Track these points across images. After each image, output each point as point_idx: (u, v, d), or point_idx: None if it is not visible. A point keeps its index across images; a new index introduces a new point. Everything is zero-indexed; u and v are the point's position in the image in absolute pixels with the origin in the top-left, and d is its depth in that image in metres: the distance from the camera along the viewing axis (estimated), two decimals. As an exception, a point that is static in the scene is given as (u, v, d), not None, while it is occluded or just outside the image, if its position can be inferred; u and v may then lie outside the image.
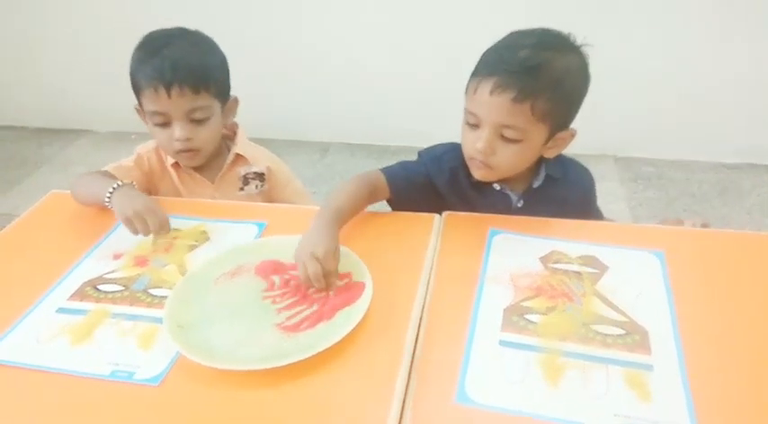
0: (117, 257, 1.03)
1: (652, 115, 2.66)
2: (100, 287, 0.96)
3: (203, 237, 1.08)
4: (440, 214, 1.11)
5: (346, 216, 1.03)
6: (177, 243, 1.06)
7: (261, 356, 0.80)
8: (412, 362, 0.80)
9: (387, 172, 1.13)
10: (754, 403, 0.74)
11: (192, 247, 1.05)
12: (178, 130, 1.17)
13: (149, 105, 1.16)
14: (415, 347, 0.82)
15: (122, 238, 1.07)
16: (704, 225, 1.09)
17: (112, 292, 0.95)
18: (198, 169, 1.29)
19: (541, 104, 0.97)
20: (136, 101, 1.22)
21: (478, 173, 1.08)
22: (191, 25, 1.24)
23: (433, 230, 1.06)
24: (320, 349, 0.79)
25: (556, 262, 0.98)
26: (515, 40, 1.02)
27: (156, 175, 1.29)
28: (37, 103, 3.29)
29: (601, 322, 0.85)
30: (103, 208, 1.09)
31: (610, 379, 0.76)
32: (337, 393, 0.76)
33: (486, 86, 0.98)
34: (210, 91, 1.18)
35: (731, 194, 2.54)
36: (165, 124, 1.18)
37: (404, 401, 0.74)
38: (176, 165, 1.28)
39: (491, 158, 1.03)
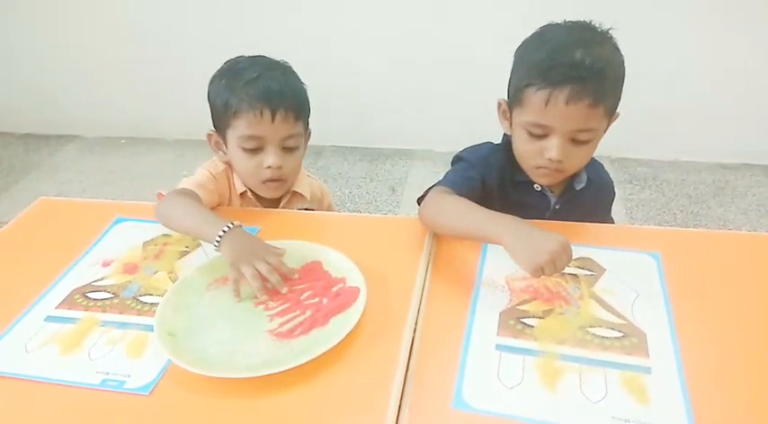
0: (106, 264, 1.02)
1: (647, 116, 2.66)
2: (89, 294, 0.95)
3: (194, 243, 1.07)
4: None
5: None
6: (168, 250, 1.05)
7: (254, 363, 0.79)
8: (408, 368, 0.79)
9: (450, 184, 1.08)
10: (752, 406, 0.73)
11: (183, 253, 1.04)
12: (272, 157, 1.13)
13: (246, 129, 1.11)
14: (410, 352, 0.81)
15: (112, 245, 1.07)
16: None
17: (102, 299, 0.93)
18: (262, 202, 1.25)
19: (609, 102, 0.99)
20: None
21: (546, 180, 1.08)
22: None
23: (428, 234, 1.05)
24: (315, 356, 0.78)
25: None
26: (558, 40, 0.99)
27: (224, 199, 1.24)
28: (24, 108, 3.26)
29: (598, 325, 0.84)
30: (96, 214, 1.07)
31: (608, 382, 0.75)
32: (333, 400, 0.75)
33: (560, 97, 0.95)
34: (304, 120, 1.18)
35: (727, 195, 2.55)
36: (256, 151, 1.14)
37: (400, 408, 0.73)
38: (243, 195, 1.24)
39: (563, 163, 1.02)
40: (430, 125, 2.83)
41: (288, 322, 0.87)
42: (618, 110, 1.06)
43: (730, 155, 2.74)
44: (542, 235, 0.86)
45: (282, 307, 0.90)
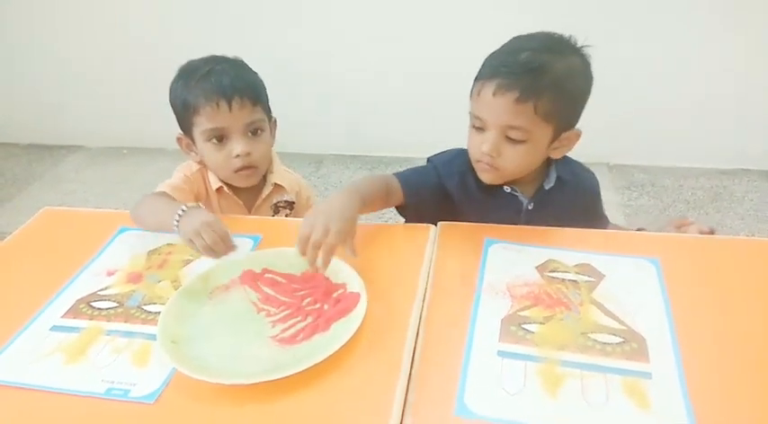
0: (110, 273, 1.03)
1: (644, 122, 2.68)
2: (94, 303, 0.95)
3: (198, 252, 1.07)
4: (439, 222, 1.11)
5: (368, 199, 1.04)
6: (171, 259, 1.06)
7: (257, 369, 0.79)
8: (410, 375, 0.79)
9: (400, 176, 1.14)
10: (753, 410, 0.73)
11: (187, 262, 1.05)
12: (239, 145, 1.17)
13: (207, 123, 1.16)
14: (412, 359, 0.82)
15: (116, 254, 1.07)
16: (711, 231, 1.09)
17: (106, 309, 0.94)
18: (239, 195, 1.29)
19: (544, 104, 0.98)
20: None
21: (485, 176, 1.09)
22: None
23: (429, 241, 1.06)
24: (317, 361, 0.78)
25: (552, 271, 0.97)
26: (517, 44, 1.04)
27: (201, 199, 1.28)
28: (27, 120, 3.28)
29: (599, 331, 0.85)
30: (100, 224, 1.07)
31: (609, 388, 0.76)
32: (335, 407, 0.75)
33: (489, 88, 0.99)
34: (264, 105, 1.21)
35: (724, 200, 2.55)
36: (222, 143, 1.18)
37: (402, 415, 0.74)
38: (220, 190, 1.27)
39: (497, 160, 1.03)
40: (429, 133, 2.82)
41: (290, 328, 0.88)
42: (578, 129, 1.06)
43: (727, 161, 2.75)
44: (330, 205, 0.96)
45: (284, 314, 0.91)
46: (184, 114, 1.19)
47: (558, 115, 1.01)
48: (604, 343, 0.83)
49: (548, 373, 0.78)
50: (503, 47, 1.06)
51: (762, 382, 0.77)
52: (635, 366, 0.79)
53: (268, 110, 1.25)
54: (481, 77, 1.02)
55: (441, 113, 2.80)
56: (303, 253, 0.92)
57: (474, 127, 1.06)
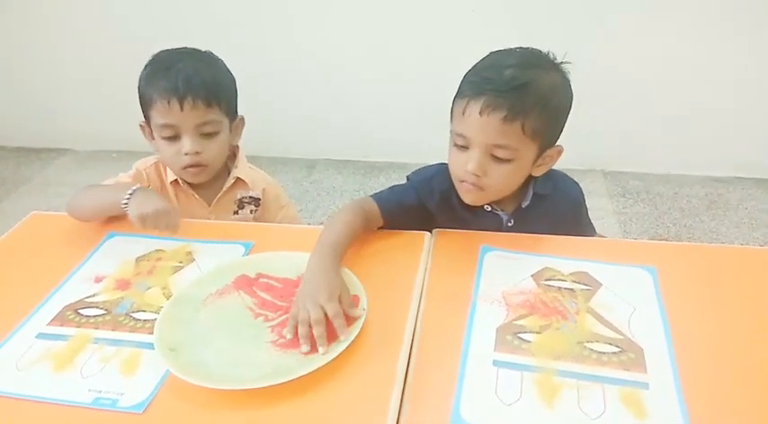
0: (99, 280, 1.01)
1: (639, 130, 2.68)
2: (81, 311, 0.93)
3: (188, 258, 1.06)
4: (434, 229, 1.10)
5: (343, 249, 0.98)
6: (161, 265, 1.04)
7: (257, 375, 0.78)
8: (405, 384, 0.78)
9: (378, 199, 1.10)
10: (750, 419, 0.73)
11: (177, 269, 1.03)
12: (188, 144, 1.17)
13: (160, 118, 1.17)
14: (407, 368, 0.81)
15: (104, 260, 1.06)
16: None
17: (94, 316, 0.92)
18: (197, 189, 1.28)
19: (531, 122, 0.96)
20: (141, 118, 1.24)
21: (468, 197, 1.06)
22: (174, 44, 1.24)
23: (424, 248, 1.05)
24: (318, 366, 0.78)
25: (548, 279, 0.97)
26: (498, 60, 1.02)
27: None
28: (15, 122, 3.24)
29: (595, 340, 0.84)
30: (88, 229, 1.06)
31: (606, 398, 0.75)
32: (330, 416, 0.74)
33: (475, 107, 0.97)
34: (221, 106, 1.20)
35: (719, 208, 2.56)
36: (174, 139, 1.18)
37: (397, 425, 0.73)
38: (175, 183, 1.27)
39: (482, 179, 1.01)
40: (422, 138, 2.83)
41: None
42: (560, 145, 1.05)
43: (722, 169, 2.76)
44: (313, 280, 0.90)
45: (281, 318, 0.90)
46: (143, 104, 1.21)
47: (544, 132, 1.00)
48: (601, 353, 0.82)
49: (544, 383, 0.77)
50: (481, 63, 1.04)
51: (759, 391, 0.76)
52: (632, 377, 0.78)
53: (230, 110, 1.23)
54: (465, 95, 0.99)
55: (434, 119, 2.79)
56: (307, 337, 0.83)
57: (456, 145, 1.03)
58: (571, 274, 0.98)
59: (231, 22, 2.70)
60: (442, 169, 1.12)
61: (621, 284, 0.95)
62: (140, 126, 1.26)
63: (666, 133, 2.70)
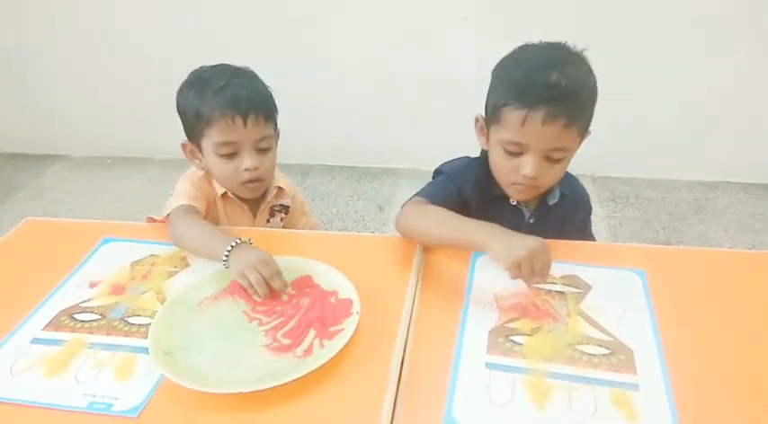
0: (93, 285, 1.01)
1: (628, 135, 2.70)
2: (76, 315, 0.94)
3: (183, 263, 1.06)
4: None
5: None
6: (155, 270, 1.05)
7: (252, 378, 0.79)
8: (398, 386, 0.79)
9: (426, 196, 1.11)
10: (739, 420, 0.74)
11: (171, 273, 1.04)
12: (249, 160, 1.17)
13: (220, 136, 1.15)
14: (401, 371, 0.81)
15: (99, 265, 1.06)
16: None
17: (89, 321, 0.92)
18: (245, 200, 1.28)
19: (583, 122, 1.01)
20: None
21: (521, 196, 1.10)
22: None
23: (416, 252, 1.06)
24: (312, 369, 0.78)
25: (539, 282, 0.97)
26: (535, 61, 1.01)
27: (209, 204, 1.26)
28: (10, 128, 3.23)
29: (586, 342, 0.85)
30: (83, 234, 1.06)
31: (597, 400, 0.76)
32: (323, 420, 0.75)
33: (536, 118, 0.97)
34: (274, 120, 1.21)
35: (708, 212, 2.58)
36: (232, 156, 1.17)
37: (390, 427, 0.73)
38: (225, 197, 1.26)
39: (539, 180, 1.04)
40: (416, 143, 2.85)
41: (284, 336, 0.88)
42: (590, 129, 1.08)
43: (710, 173, 2.78)
44: (522, 236, 0.91)
45: (276, 322, 0.91)
46: (196, 123, 1.17)
47: (587, 125, 1.04)
48: (591, 355, 0.83)
49: (535, 385, 0.78)
50: (517, 64, 1.03)
51: (747, 392, 0.78)
52: (622, 378, 0.79)
53: (276, 124, 1.25)
54: (516, 104, 0.98)
55: (429, 125, 2.82)
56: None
57: (508, 152, 1.03)
58: (562, 277, 0.99)
59: (226, 30, 2.71)
60: (472, 160, 1.16)
61: (611, 287, 0.96)
62: (183, 145, 1.23)
63: (655, 138, 2.72)
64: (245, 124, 1.13)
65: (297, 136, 2.97)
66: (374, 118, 2.89)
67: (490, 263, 1.01)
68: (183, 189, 1.21)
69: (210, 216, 1.25)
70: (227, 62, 1.23)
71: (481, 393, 0.77)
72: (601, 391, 0.77)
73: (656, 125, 2.68)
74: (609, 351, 0.83)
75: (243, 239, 1.01)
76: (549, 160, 1.02)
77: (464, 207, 1.12)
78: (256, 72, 1.23)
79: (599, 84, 1.04)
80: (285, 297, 0.95)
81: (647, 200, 2.68)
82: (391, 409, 0.75)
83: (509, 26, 2.47)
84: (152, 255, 1.08)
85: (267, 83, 1.22)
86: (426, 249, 1.07)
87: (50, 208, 2.75)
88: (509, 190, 1.10)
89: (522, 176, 1.03)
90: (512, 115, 1.00)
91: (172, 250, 1.09)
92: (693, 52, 2.51)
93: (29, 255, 1.11)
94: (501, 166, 1.07)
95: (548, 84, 0.97)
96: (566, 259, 1.02)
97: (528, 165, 1.01)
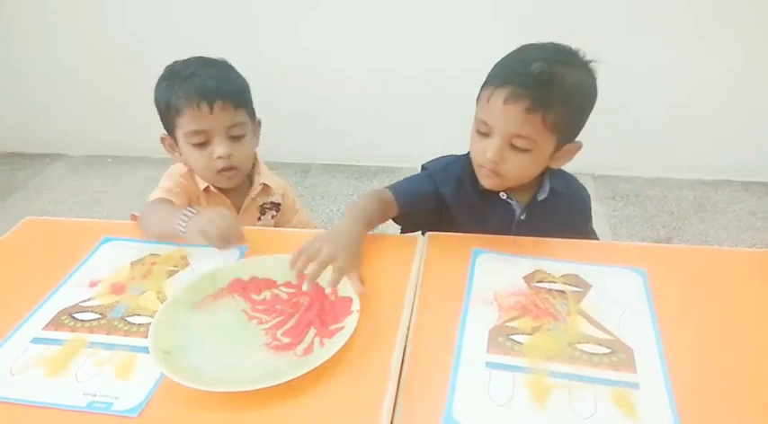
0: (93, 284, 1.01)
1: (628, 133, 2.70)
2: (76, 315, 0.94)
3: (183, 262, 1.06)
4: (427, 232, 1.11)
5: (371, 221, 1.05)
6: (155, 269, 1.04)
7: (251, 377, 0.79)
8: (398, 385, 0.79)
9: (393, 188, 1.14)
10: (740, 418, 0.74)
11: (172, 273, 1.03)
12: (220, 147, 1.18)
13: (190, 125, 1.17)
14: (401, 370, 0.81)
15: (99, 265, 1.06)
16: None
17: (89, 320, 0.92)
18: (228, 195, 1.29)
19: (552, 116, 0.99)
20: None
21: (487, 182, 1.09)
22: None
23: (417, 251, 1.06)
24: (312, 367, 0.78)
25: (539, 281, 0.97)
26: (528, 53, 1.03)
27: (191, 200, 1.28)
28: (8, 128, 3.23)
29: (586, 341, 0.85)
30: (83, 233, 1.06)
31: (597, 399, 0.76)
32: (323, 419, 0.75)
33: (499, 96, 0.99)
34: (247, 108, 1.22)
35: (708, 211, 2.58)
36: (204, 145, 1.19)
37: (391, 426, 0.73)
38: (207, 191, 1.27)
39: (500, 166, 1.04)
40: (415, 142, 2.84)
41: (284, 335, 0.88)
42: (579, 141, 1.08)
43: (710, 172, 2.78)
44: (337, 232, 0.97)
45: (276, 321, 0.91)
46: (167, 115, 1.20)
47: (564, 127, 1.03)
48: (592, 353, 0.83)
49: (536, 384, 0.78)
50: (513, 54, 1.06)
51: (748, 391, 0.77)
52: (622, 377, 0.79)
53: (251, 113, 1.25)
54: (491, 83, 1.02)
55: (429, 123, 2.82)
56: (294, 263, 0.92)
57: (479, 132, 1.06)
58: (562, 276, 0.99)
59: (225, 28, 2.71)
60: (458, 158, 1.16)
61: (612, 286, 0.96)
62: (161, 139, 1.26)
63: (655, 137, 2.72)
64: (211, 111, 1.15)
65: (297, 135, 2.99)
66: (374, 116, 2.88)
67: (491, 262, 1.02)
68: (165, 183, 1.24)
69: None
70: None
71: (481, 393, 0.77)
72: (601, 390, 0.77)
73: (657, 123, 2.68)
74: (609, 350, 0.83)
75: (195, 209, 1.06)
76: (513, 148, 1.02)
77: (439, 205, 1.15)
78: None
79: (600, 83, 1.04)
80: (284, 296, 0.96)
81: (647, 198, 2.68)
82: (391, 408, 0.75)
83: (510, 24, 2.47)
84: (152, 254, 1.08)
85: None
86: (427, 247, 1.07)
87: (50, 208, 2.75)
88: (478, 175, 1.10)
89: (485, 158, 1.04)
90: (484, 93, 1.04)
91: (172, 249, 1.09)
92: (695, 51, 2.51)
93: (29, 255, 1.11)
94: (473, 149, 1.09)
95: (524, 70, 0.99)
96: (566, 258, 1.02)
97: (490, 147, 1.03)
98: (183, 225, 1.03)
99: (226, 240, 1.00)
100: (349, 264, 0.91)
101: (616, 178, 2.82)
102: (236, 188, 1.29)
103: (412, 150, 2.98)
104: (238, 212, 1.31)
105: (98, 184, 2.95)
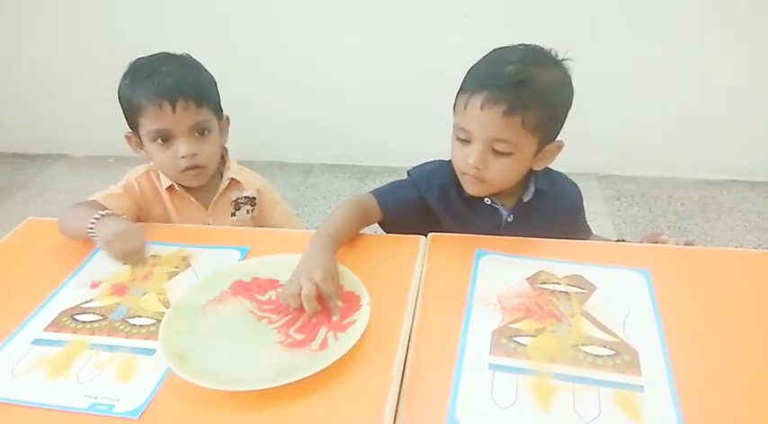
0: (95, 285, 1.01)
1: (633, 133, 2.69)
2: (77, 316, 0.93)
3: (184, 263, 1.06)
4: (430, 233, 1.10)
5: (340, 240, 1.02)
6: (156, 270, 1.04)
7: (270, 375, 0.79)
8: (401, 387, 0.78)
9: (377, 193, 1.14)
10: (745, 421, 0.73)
11: (173, 274, 1.03)
12: (184, 146, 1.16)
13: (152, 124, 1.15)
14: (403, 372, 0.81)
15: (100, 266, 1.05)
16: (687, 244, 1.10)
17: (90, 322, 0.92)
18: (193, 193, 1.27)
19: (531, 117, 0.98)
20: (127, 129, 1.22)
21: (471, 188, 1.08)
22: (167, 48, 1.25)
23: (420, 252, 1.05)
24: (332, 361, 0.79)
25: (543, 283, 0.97)
26: (501, 56, 1.03)
27: (148, 201, 1.27)
28: (10, 128, 3.24)
29: (590, 343, 0.84)
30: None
31: (601, 401, 0.75)
32: (326, 420, 0.74)
33: (476, 101, 0.99)
34: (210, 105, 1.20)
35: (713, 211, 2.57)
36: (168, 144, 1.17)
37: (393, 429, 0.73)
38: (171, 189, 1.26)
39: (484, 172, 1.03)
40: (418, 142, 2.83)
41: (297, 332, 0.88)
42: (561, 140, 1.07)
43: (716, 172, 2.77)
44: (309, 260, 0.95)
45: (285, 319, 0.91)
46: (130, 113, 1.19)
47: (544, 127, 1.01)
48: (596, 355, 0.82)
49: (540, 386, 0.78)
50: (484, 59, 1.06)
51: (754, 393, 0.77)
52: (627, 379, 0.78)
53: (217, 109, 1.23)
54: (467, 90, 1.02)
55: (431, 122, 2.80)
56: (288, 306, 0.92)
57: (458, 139, 1.05)
58: (566, 277, 0.98)
59: (225, 30, 2.71)
60: (442, 164, 1.15)
61: (616, 287, 0.96)
62: (126, 137, 1.25)
63: (660, 137, 2.71)
64: (173, 110, 1.13)
65: (298, 136, 2.99)
66: (376, 116, 2.88)
67: (494, 263, 1.01)
68: (109, 188, 1.25)
69: (157, 212, 1.26)
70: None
71: (484, 395, 0.76)
72: (605, 392, 0.76)
73: (662, 123, 2.67)
74: (613, 352, 0.83)
75: (106, 212, 1.07)
76: (495, 152, 1.02)
77: (424, 212, 1.14)
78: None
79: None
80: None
81: (652, 199, 2.67)
82: (394, 409, 0.75)
83: (510, 24, 2.46)
84: (153, 255, 1.08)
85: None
86: (430, 248, 1.06)
87: (51, 208, 2.75)
88: (462, 182, 1.10)
89: (467, 165, 1.03)
90: (460, 100, 1.03)
91: (173, 250, 1.09)
92: (700, 51, 2.50)
93: (30, 256, 1.11)
94: (454, 156, 1.08)
95: (499, 74, 0.98)
96: (570, 259, 1.02)
97: (472, 154, 1.02)
98: (92, 228, 1.04)
99: (127, 258, 1.03)
100: (333, 289, 0.91)
101: (621, 178, 2.81)
102: (203, 186, 1.27)
103: (414, 150, 2.98)
104: (206, 209, 1.29)
105: (99, 184, 2.91)
